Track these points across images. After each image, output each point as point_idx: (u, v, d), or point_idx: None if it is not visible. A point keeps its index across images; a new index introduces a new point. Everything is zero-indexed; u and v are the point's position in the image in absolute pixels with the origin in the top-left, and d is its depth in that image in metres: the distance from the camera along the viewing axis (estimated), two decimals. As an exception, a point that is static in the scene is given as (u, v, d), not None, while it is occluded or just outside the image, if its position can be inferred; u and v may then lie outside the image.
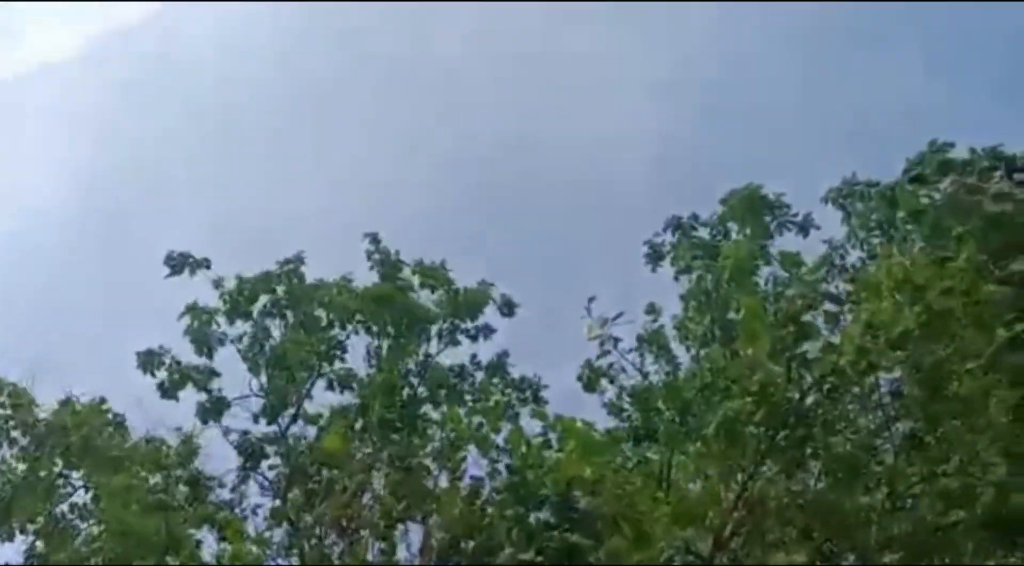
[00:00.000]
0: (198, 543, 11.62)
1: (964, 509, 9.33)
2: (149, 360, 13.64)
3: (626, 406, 12.27)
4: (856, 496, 9.50)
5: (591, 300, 10.78)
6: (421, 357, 14.74)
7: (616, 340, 11.33)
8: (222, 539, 11.88)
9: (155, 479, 11.94)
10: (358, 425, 13.31)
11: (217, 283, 13.88)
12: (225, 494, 12.80)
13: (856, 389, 9.52)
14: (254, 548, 10.84)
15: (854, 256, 12.44)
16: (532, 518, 9.95)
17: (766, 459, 9.73)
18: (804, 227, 11.96)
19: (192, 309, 13.74)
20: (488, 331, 14.60)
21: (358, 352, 14.54)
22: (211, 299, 13.90)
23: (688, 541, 9.92)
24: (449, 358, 14.71)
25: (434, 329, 14.65)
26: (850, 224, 12.56)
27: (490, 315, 14.63)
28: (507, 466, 10.89)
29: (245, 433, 13.63)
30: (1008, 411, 9.08)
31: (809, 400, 9.58)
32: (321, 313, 14.20)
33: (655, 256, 12.68)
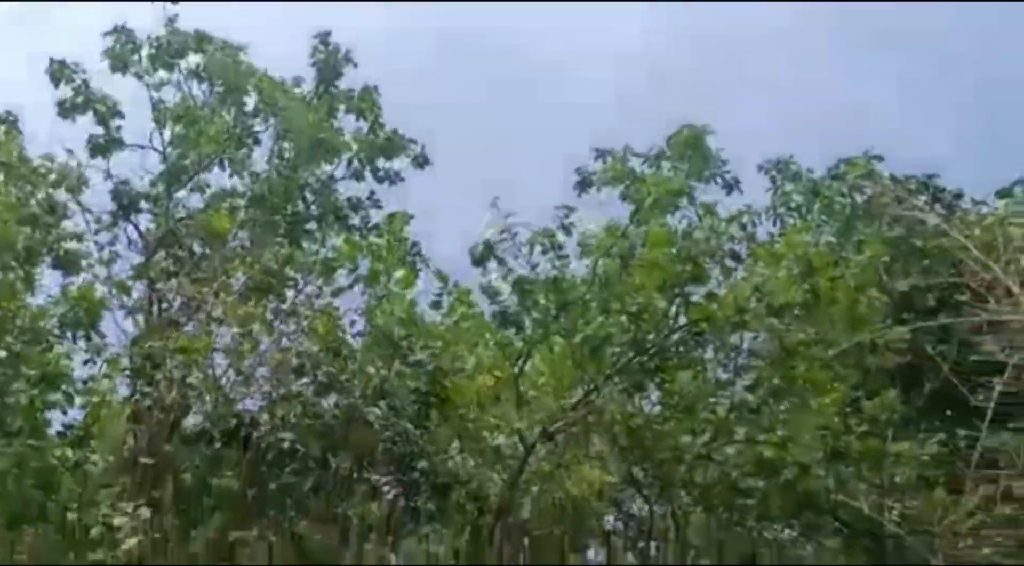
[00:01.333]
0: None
1: (767, 479, 10.17)
2: (60, 71, 12.93)
3: (504, 291, 12.50)
4: (680, 435, 10.17)
5: (496, 198, 11.45)
6: (324, 177, 14.55)
7: (514, 233, 11.62)
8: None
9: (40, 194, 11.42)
10: (243, 215, 13.04)
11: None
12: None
13: (720, 342, 10.07)
14: (105, 289, 10.68)
15: (766, 227, 12.94)
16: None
17: (615, 377, 10.26)
18: (730, 185, 12.22)
19: (120, 31, 13.10)
20: (397, 177, 14.45)
21: (267, 150, 14.26)
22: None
23: (521, 430, 10.45)
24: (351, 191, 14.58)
25: (345, 156, 14.41)
26: (773, 199, 13.03)
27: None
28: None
29: (125, 183, 13.20)
30: (841, 408, 9.86)
31: (675, 337, 10.06)
32: (249, 100, 13.74)
33: (584, 184, 12.69)
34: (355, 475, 9.61)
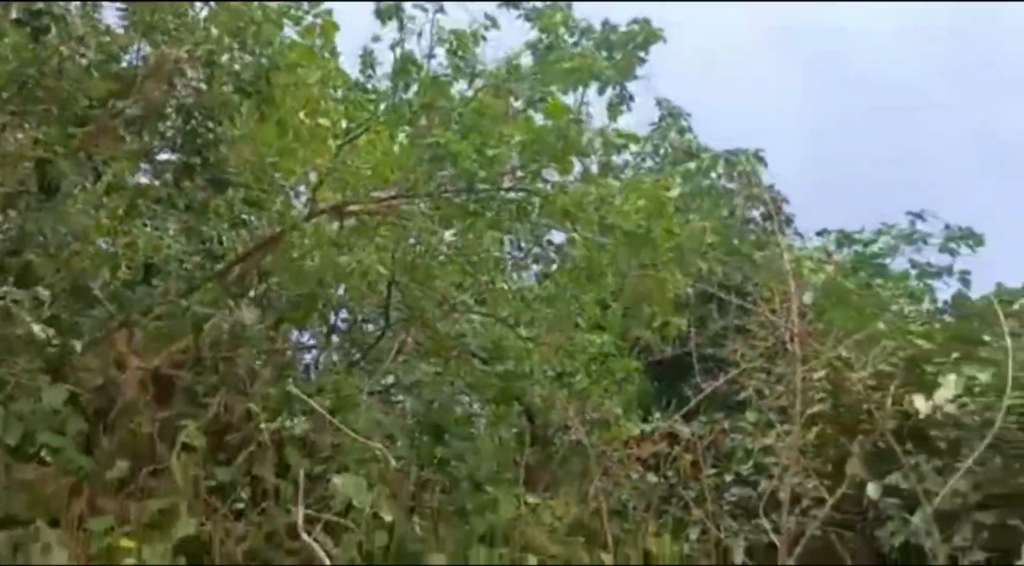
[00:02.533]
0: None
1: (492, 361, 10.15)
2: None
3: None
4: (452, 277, 9.91)
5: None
6: None
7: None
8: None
9: None
10: None
11: None
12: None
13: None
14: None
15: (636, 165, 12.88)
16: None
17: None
18: (623, 98, 11.89)
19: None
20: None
21: None
22: None
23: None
24: None
25: None
26: (664, 147, 13.00)
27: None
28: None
29: None
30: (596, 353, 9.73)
31: (511, 195, 9.69)
32: None
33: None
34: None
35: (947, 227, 12.71)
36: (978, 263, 12.59)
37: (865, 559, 7.17)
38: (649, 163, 13.63)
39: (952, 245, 12.65)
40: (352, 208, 9.93)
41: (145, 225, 7.58)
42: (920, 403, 6.52)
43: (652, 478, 8.55)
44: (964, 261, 12.67)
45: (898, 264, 13.00)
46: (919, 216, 12.87)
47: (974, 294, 10.26)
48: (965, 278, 12.48)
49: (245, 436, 7.16)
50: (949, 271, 12.66)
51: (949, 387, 6.36)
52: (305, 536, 4.34)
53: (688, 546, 7.80)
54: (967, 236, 12.73)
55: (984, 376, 6.28)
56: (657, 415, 9.32)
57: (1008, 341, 6.32)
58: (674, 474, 8.42)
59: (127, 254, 7.49)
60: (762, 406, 7.69)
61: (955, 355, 6.88)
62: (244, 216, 8.63)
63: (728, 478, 8.14)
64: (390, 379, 9.29)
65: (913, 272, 12.79)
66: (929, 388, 6.64)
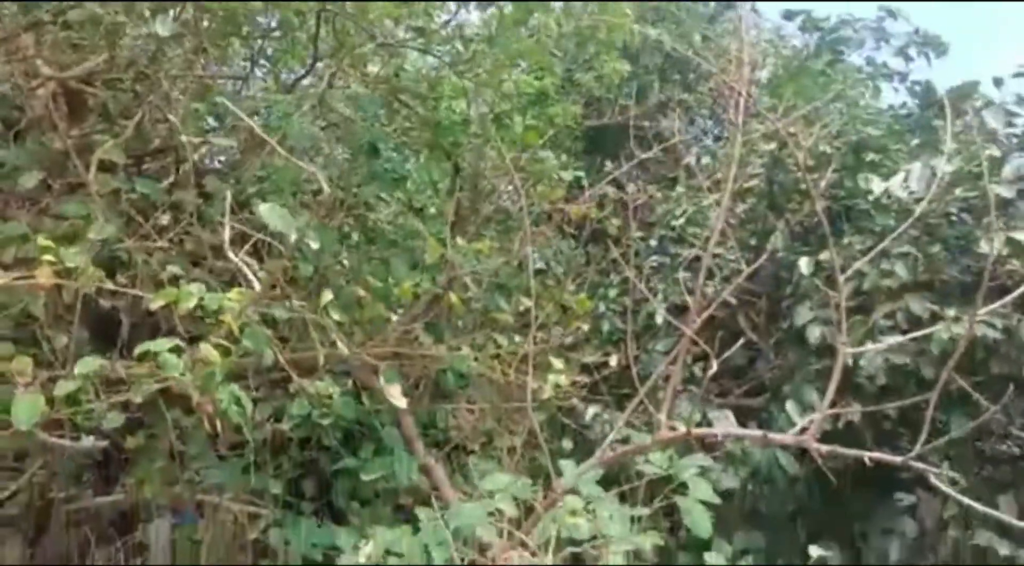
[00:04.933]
0: None
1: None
2: None
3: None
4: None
5: None
6: None
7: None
8: None
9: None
10: None
11: None
12: None
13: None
14: None
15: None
16: None
17: None
18: None
19: None
20: None
21: None
22: None
23: None
24: None
25: None
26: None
27: None
28: None
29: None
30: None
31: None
32: None
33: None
34: None
35: (916, 31, 12.28)
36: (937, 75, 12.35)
37: (765, 335, 7.57)
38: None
39: (911, 50, 12.26)
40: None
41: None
42: (875, 184, 6.60)
43: (573, 244, 8.69)
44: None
45: (856, 59, 12.67)
46: (891, 14, 12.38)
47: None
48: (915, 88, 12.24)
49: (165, 163, 6.89)
50: (903, 77, 12.36)
51: (915, 174, 6.41)
52: (232, 255, 4.23)
53: (604, 304, 8.10)
54: (931, 43, 12.34)
55: (947, 166, 6.30)
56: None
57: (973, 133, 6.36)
58: (600, 238, 8.56)
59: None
60: (697, 174, 7.71)
61: (915, 142, 6.91)
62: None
63: (653, 243, 8.31)
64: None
65: (867, 69, 12.48)
66: (883, 174, 6.71)
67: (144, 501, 6.01)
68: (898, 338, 5.79)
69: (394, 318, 6.10)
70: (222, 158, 7.22)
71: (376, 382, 6.14)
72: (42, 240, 4.04)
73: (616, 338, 7.64)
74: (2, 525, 5.93)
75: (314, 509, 6.18)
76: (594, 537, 4.40)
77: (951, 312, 5.89)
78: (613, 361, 6.96)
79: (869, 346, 5.82)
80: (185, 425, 5.78)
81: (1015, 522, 4.41)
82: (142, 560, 5.98)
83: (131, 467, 5.91)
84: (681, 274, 7.01)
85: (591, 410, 6.78)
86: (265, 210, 4.43)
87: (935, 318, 6.01)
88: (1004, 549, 5.31)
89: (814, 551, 4.37)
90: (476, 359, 6.21)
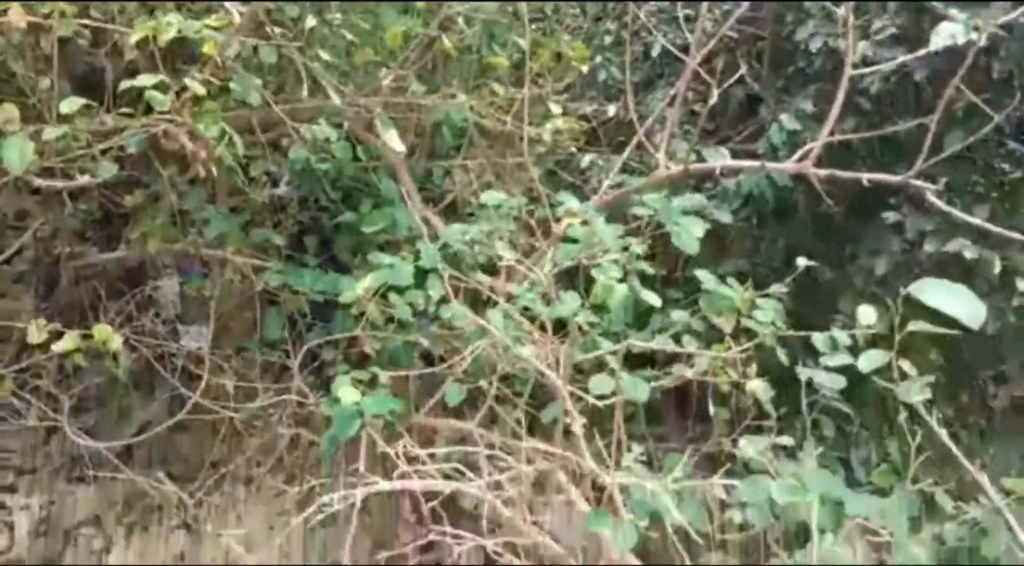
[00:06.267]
0: None
1: None
2: None
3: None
4: None
5: None
6: None
7: None
8: None
9: None
10: None
11: None
12: None
13: None
14: None
15: None
16: None
17: None
18: None
19: None
20: None
21: None
22: None
23: None
24: None
25: None
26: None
27: None
28: None
29: None
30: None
31: None
32: None
33: None
34: None
35: None
36: None
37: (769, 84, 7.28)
38: None
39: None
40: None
41: None
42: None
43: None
44: None
45: None
46: None
47: None
48: None
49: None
50: None
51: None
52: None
53: (601, 55, 7.78)
54: None
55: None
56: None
57: None
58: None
59: None
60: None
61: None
62: None
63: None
64: None
65: None
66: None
67: (149, 257, 6.09)
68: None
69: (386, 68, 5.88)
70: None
71: (371, 136, 6.04)
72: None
73: (614, 90, 7.44)
74: (13, 282, 6.06)
75: (318, 263, 6.27)
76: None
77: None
78: (611, 110, 6.81)
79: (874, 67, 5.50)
80: (183, 190, 5.74)
81: (992, 227, 4.51)
82: (152, 314, 6.15)
83: (133, 224, 5.94)
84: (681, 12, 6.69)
85: (587, 158, 6.70)
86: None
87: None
88: (971, 253, 5.47)
89: (801, 261, 4.47)
90: (472, 108, 6.07)
